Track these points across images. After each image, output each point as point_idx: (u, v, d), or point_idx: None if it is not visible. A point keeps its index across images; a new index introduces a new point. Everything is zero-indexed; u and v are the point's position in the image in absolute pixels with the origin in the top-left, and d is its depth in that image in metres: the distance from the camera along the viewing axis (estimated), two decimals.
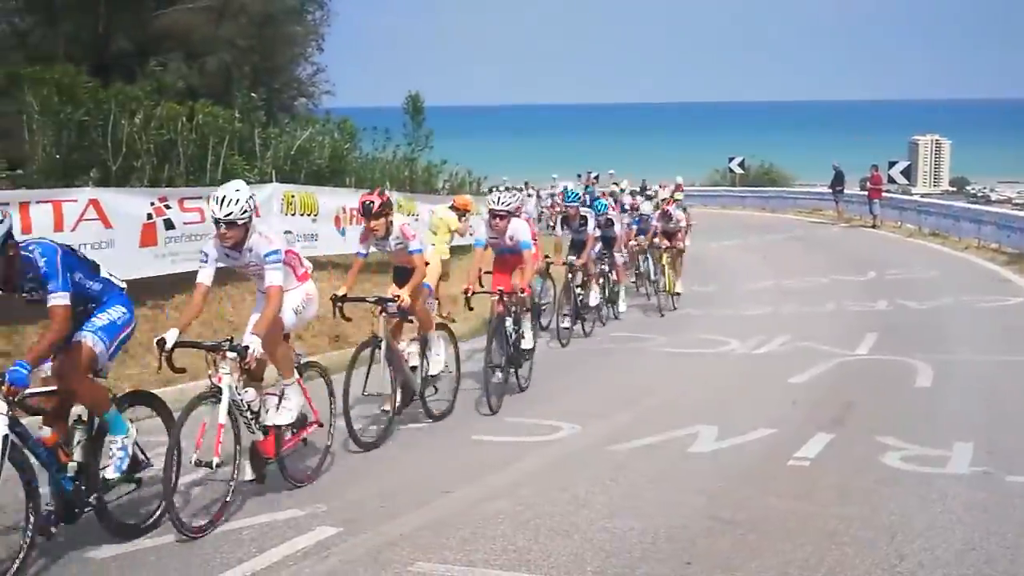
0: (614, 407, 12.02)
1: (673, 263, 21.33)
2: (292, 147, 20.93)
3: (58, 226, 12.94)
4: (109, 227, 13.63)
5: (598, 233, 18.17)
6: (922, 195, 42.25)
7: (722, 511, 8.00)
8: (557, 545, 7.28)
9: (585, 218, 17.50)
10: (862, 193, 41.32)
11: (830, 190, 43.35)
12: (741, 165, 54.69)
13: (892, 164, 42.91)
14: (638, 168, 54.94)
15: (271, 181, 17.83)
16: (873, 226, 38.52)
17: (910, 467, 9.18)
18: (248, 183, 17.23)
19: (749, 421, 10.97)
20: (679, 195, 31.99)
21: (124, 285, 7.70)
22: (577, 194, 18.83)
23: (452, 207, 17.34)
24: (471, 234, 18.75)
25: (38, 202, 12.91)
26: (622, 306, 20.25)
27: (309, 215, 18.10)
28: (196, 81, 24.96)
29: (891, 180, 41.92)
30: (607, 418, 11.44)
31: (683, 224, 22.06)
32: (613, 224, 19.55)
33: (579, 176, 47.45)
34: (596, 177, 47.09)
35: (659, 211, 22.26)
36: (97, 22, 24.69)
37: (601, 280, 18.98)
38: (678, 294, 21.21)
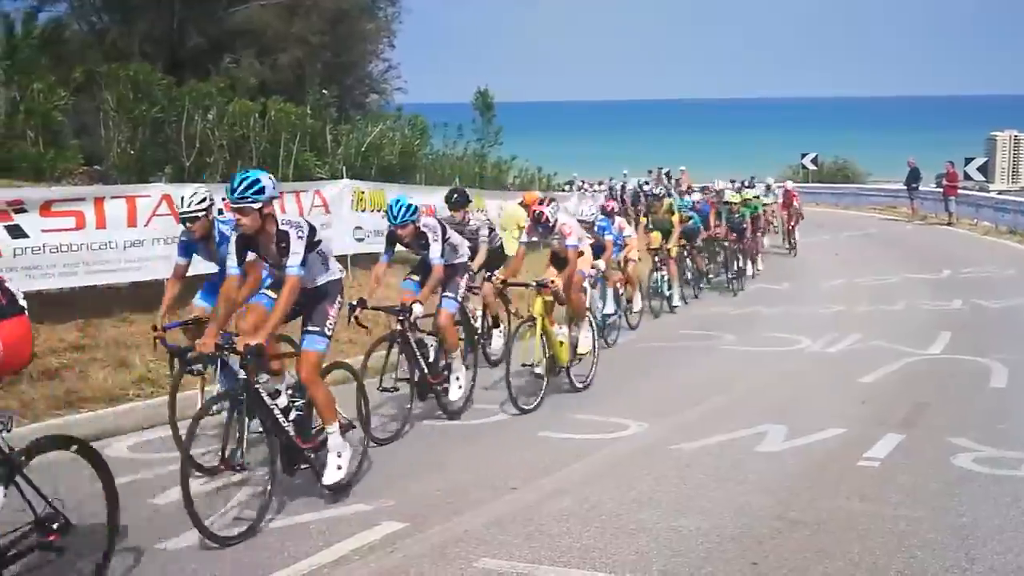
0: (682, 405, 11.96)
1: (575, 306, 12.79)
2: (363, 143, 21.04)
3: (131, 221, 13.11)
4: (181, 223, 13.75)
5: (447, 258, 10.97)
6: (999, 192, 41.41)
7: (789, 511, 7.93)
8: (622, 543, 7.26)
9: (424, 234, 10.64)
10: (937, 190, 40.75)
11: (905, 187, 42.81)
12: (814, 161, 54.21)
13: (968, 160, 42.26)
14: (709, 164, 54.69)
15: (342, 177, 17.91)
16: (948, 223, 37.98)
17: (982, 469, 9.03)
18: (319, 179, 17.64)
19: (818, 421, 10.86)
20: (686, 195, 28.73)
21: None
22: (409, 207, 10.47)
23: (521, 203, 17.37)
24: None
25: (112, 197, 13.08)
26: (459, 380, 11.32)
27: (379, 211, 18.13)
28: (269, 78, 25.23)
29: (967, 177, 41.29)
30: (675, 416, 11.38)
31: (573, 242, 12.33)
32: (428, 242, 10.66)
33: (650, 172, 47.31)
34: (667, 173, 46.90)
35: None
36: (172, 20, 25.05)
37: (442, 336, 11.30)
38: (565, 369, 12.58)
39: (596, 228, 15.49)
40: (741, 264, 24.68)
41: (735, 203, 25.39)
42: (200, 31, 25.68)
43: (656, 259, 19.87)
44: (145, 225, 13.30)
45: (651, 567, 6.81)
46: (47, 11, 25.49)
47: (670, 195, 28.36)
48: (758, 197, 30.04)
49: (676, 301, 20.32)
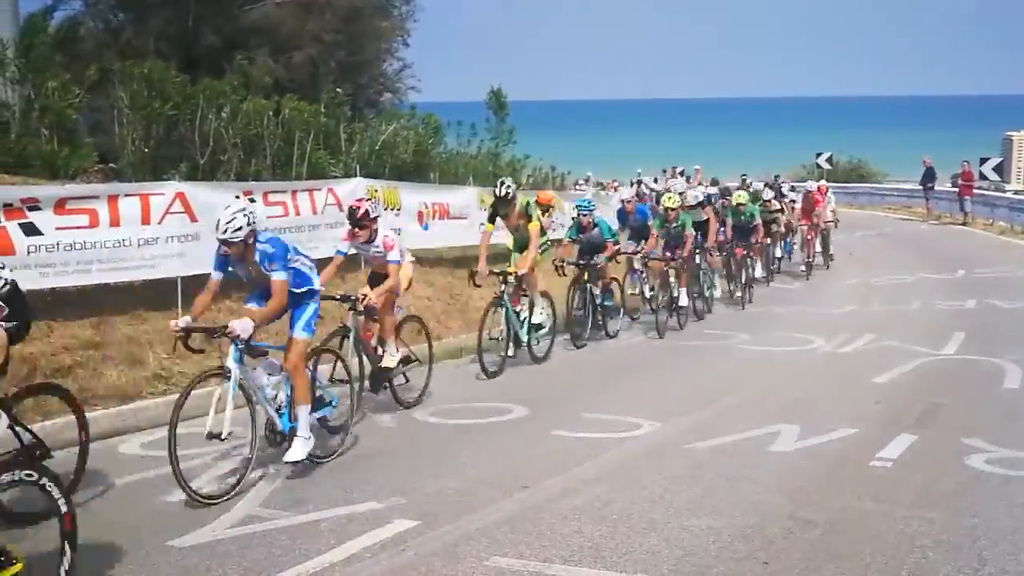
0: (695, 404, 11.96)
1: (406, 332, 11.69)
2: (377, 142, 21.03)
3: (145, 219, 13.11)
4: (195, 220, 13.75)
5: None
6: (1015, 192, 41.30)
7: (801, 511, 7.92)
8: (634, 542, 7.26)
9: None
10: (952, 190, 40.63)
11: (920, 187, 42.69)
12: (829, 161, 54.02)
13: (984, 160, 42.12)
14: (723, 164, 54.60)
15: (355, 176, 17.92)
16: (963, 223, 37.88)
17: (996, 469, 9.02)
18: (333, 177, 17.63)
19: (831, 420, 10.86)
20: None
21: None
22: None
23: (535, 202, 17.36)
24: (554, 230, 18.82)
25: (127, 195, 13.09)
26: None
27: (392, 209, 18.14)
28: (283, 76, 25.22)
29: (983, 176, 41.15)
30: (688, 415, 11.38)
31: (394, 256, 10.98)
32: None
33: (664, 171, 47.25)
34: (682, 172, 46.86)
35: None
36: (187, 18, 25.08)
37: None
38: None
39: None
40: (675, 293, 17.95)
41: (672, 208, 18.10)
42: (215, 29, 25.72)
43: (501, 287, 14.16)
44: (159, 223, 13.29)
45: (662, 566, 6.81)
46: (62, 9, 25.61)
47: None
48: (768, 201, 24.56)
49: (540, 349, 14.89)
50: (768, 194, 25.55)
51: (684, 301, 18.13)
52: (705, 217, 19.83)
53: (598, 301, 16.58)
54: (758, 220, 22.38)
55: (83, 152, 16.07)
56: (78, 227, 12.39)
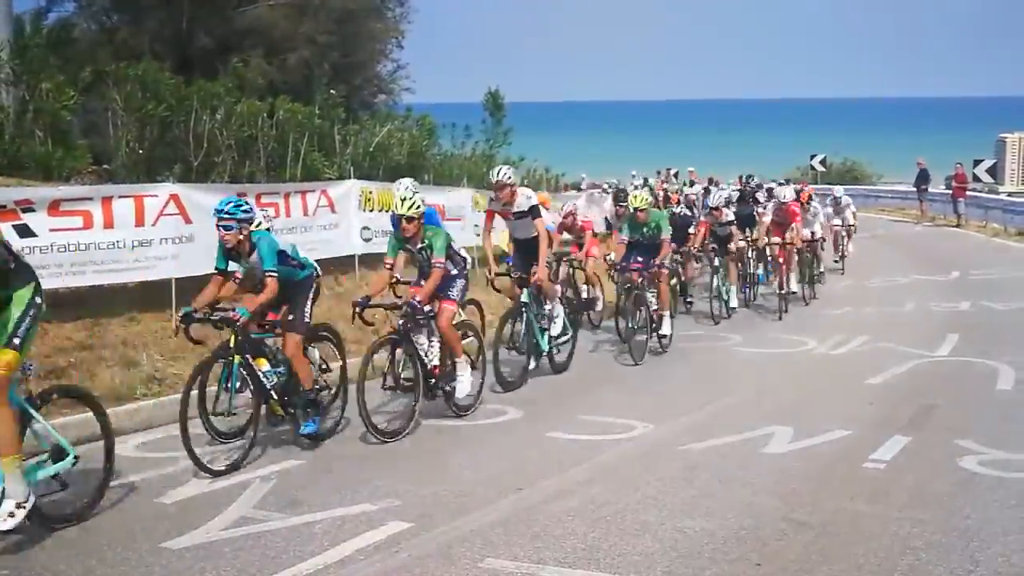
0: (689, 406, 11.95)
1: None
2: (371, 143, 21.05)
3: (139, 221, 13.13)
4: (189, 222, 13.78)
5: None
6: (1009, 194, 41.46)
7: (795, 513, 7.92)
8: (627, 544, 7.26)
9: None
10: (946, 192, 40.70)
11: (914, 188, 42.76)
12: (823, 163, 54.10)
13: (977, 162, 42.21)
14: (720, 164, 54.63)
15: (349, 177, 17.94)
16: (957, 225, 37.92)
17: (988, 471, 9.01)
18: (327, 179, 17.65)
19: (825, 422, 10.85)
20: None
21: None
22: None
23: None
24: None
25: (120, 197, 13.11)
26: None
27: (386, 211, 18.16)
28: (277, 78, 25.24)
29: (976, 178, 41.23)
30: (681, 417, 11.37)
31: None
32: None
33: (658, 173, 47.30)
34: (676, 174, 46.91)
35: None
36: (181, 20, 25.07)
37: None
38: None
39: None
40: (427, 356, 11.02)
41: (405, 216, 10.75)
42: (209, 31, 25.73)
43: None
44: (153, 225, 13.33)
45: (655, 568, 6.81)
46: (56, 11, 25.60)
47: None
48: (715, 209, 19.25)
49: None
50: (718, 199, 20.00)
51: (466, 385, 11.42)
52: (535, 233, 13.23)
53: (268, 385, 9.78)
54: (665, 234, 15.32)
55: (77, 154, 16.09)
56: (72, 229, 12.43)
